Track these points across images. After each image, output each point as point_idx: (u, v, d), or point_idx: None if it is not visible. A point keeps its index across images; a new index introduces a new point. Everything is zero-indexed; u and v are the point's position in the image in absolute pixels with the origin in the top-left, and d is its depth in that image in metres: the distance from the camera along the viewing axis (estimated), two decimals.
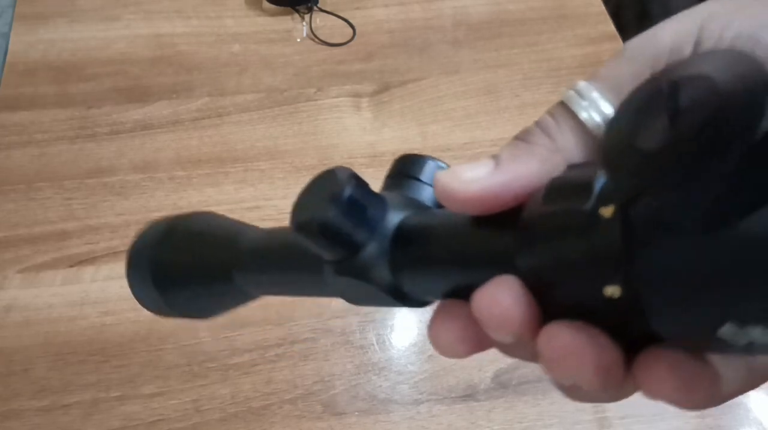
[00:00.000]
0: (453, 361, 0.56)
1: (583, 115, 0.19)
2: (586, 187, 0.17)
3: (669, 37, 0.19)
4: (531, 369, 0.55)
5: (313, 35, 0.77)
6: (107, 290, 0.58)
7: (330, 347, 0.56)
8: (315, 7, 0.78)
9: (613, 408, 0.53)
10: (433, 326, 0.21)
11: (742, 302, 0.14)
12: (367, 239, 0.22)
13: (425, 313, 0.62)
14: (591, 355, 0.17)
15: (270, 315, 0.58)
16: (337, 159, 0.66)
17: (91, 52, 0.74)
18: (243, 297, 0.32)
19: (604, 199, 0.17)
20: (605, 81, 0.20)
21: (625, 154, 0.16)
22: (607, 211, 0.16)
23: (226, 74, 0.73)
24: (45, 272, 0.59)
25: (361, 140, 0.68)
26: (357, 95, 0.72)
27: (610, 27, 0.78)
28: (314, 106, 0.70)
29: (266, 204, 0.63)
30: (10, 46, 0.74)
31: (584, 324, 0.17)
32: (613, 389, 0.17)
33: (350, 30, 0.77)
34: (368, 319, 0.58)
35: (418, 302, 0.24)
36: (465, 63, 0.75)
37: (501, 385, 0.55)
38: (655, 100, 0.16)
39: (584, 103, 0.19)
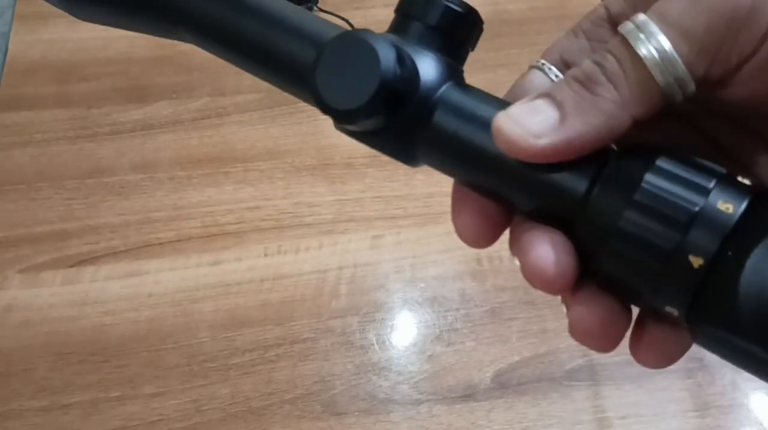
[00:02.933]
0: (453, 361, 0.56)
1: (643, 51, 0.18)
2: (685, 214, 0.17)
3: None
4: (531, 369, 0.55)
5: None
6: (107, 290, 0.58)
7: (330, 347, 0.56)
8: (315, 7, 0.78)
9: (613, 408, 0.53)
10: (458, 213, 0.22)
11: None
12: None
13: (425, 313, 0.62)
14: (615, 336, 0.19)
15: (270, 315, 0.58)
16: (337, 159, 0.66)
17: (91, 52, 0.74)
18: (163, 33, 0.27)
19: (697, 243, 0.17)
20: (665, 16, 0.18)
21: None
22: (696, 262, 0.17)
23: (226, 74, 0.73)
24: (45, 272, 0.59)
25: None
26: None
27: None
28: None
29: (266, 204, 0.63)
30: (10, 46, 0.74)
31: (616, 303, 0.19)
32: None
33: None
34: (368, 319, 0.58)
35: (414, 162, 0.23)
36: (465, 63, 0.75)
37: (501, 385, 0.55)
38: None
39: (642, 37, 0.18)
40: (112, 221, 0.62)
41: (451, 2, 0.22)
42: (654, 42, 0.18)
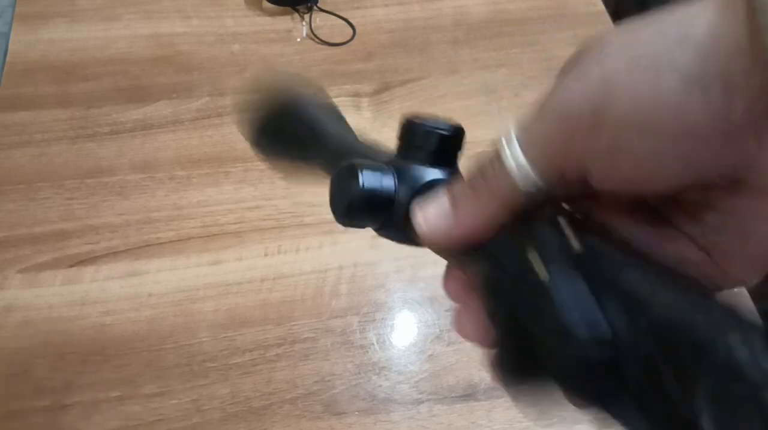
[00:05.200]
0: (453, 361, 0.56)
1: (508, 163, 0.22)
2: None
3: (577, 95, 0.20)
4: None
5: (313, 35, 0.77)
6: (107, 290, 0.58)
7: (330, 347, 0.56)
8: (315, 7, 0.78)
9: None
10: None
11: None
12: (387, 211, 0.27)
13: (426, 313, 0.62)
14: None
15: (270, 315, 0.58)
16: None
17: (91, 52, 0.74)
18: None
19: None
20: (527, 134, 0.22)
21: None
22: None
23: (226, 74, 0.73)
24: (45, 272, 0.59)
25: None
26: (357, 95, 0.72)
27: (610, 27, 0.78)
28: None
29: (266, 204, 0.63)
30: (10, 46, 0.74)
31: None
32: None
33: (350, 30, 0.77)
34: (368, 319, 0.58)
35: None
36: (465, 63, 0.75)
37: None
38: None
39: (509, 152, 0.22)
40: (112, 221, 0.62)
41: (441, 129, 0.27)
42: (513, 152, 0.22)
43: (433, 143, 0.27)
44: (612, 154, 0.20)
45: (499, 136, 0.23)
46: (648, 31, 0.20)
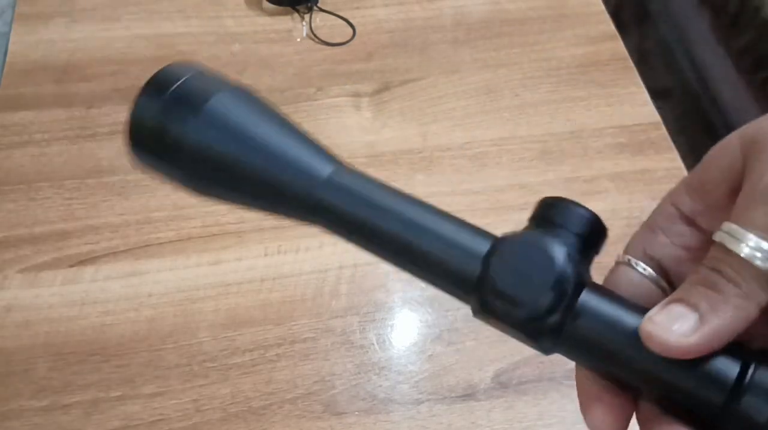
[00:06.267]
0: (453, 360, 0.56)
1: (745, 252, 0.22)
2: None
3: None
4: (531, 369, 0.55)
5: (313, 35, 0.77)
6: (107, 290, 0.58)
7: (330, 347, 0.56)
8: (315, 7, 0.78)
9: None
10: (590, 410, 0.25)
11: None
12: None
13: (426, 313, 0.61)
14: None
15: (270, 315, 0.58)
16: None
17: (91, 52, 0.74)
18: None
19: None
20: (753, 223, 0.22)
21: None
22: None
23: (226, 74, 0.73)
24: (45, 272, 0.59)
25: (361, 140, 0.68)
26: (357, 95, 0.72)
27: (610, 27, 0.78)
28: (314, 106, 0.70)
29: None
30: (10, 46, 0.74)
31: None
32: None
33: (350, 30, 0.77)
34: (368, 319, 0.58)
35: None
36: (465, 63, 0.75)
37: (501, 385, 0.55)
38: None
39: (739, 242, 0.22)
40: (112, 221, 0.62)
41: (589, 211, 0.24)
42: (751, 243, 0.22)
43: (585, 225, 0.24)
44: None
45: (718, 232, 0.23)
46: None
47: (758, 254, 0.22)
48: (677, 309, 0.23)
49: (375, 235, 0.25)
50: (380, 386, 0.55)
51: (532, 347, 0.24)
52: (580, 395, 0.25)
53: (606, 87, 0.73)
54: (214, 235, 0.62)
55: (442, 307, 0.58)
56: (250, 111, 0.26)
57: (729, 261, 0.22)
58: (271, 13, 0.78)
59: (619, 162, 0.67)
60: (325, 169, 0.26)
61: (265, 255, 0.61)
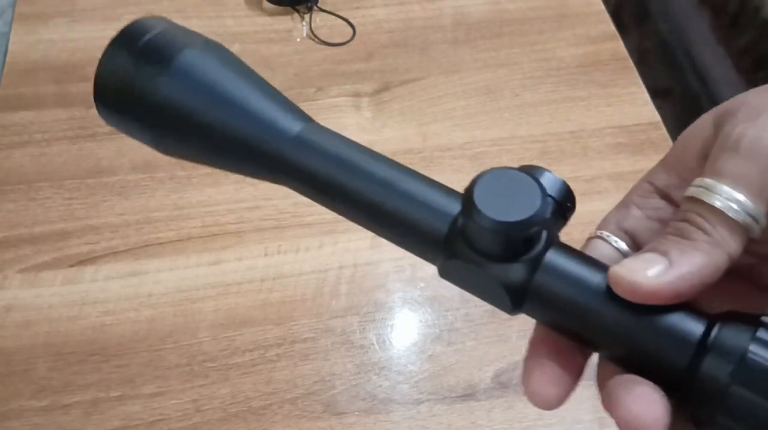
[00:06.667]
0: (453, 360, 0.56)
1: (718, 204, 0.22)
2: None
3: None
4: None
5: (313, 35, 0.77)
6: (107, 290, 0.58)
7: (330, 347, 0.56)
8: (315, 7, 0.78)
9: None
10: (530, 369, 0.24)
11: None
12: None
13: (426, 313, 0.61)
14: None
15: (270, 315, 0.58)
16: None
17: (91, 52, 0.74)
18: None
19: None
20: (724, 174, 0.22)
21: None
22: None
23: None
24: (45, 272, 0.59)
25: (361, 140, 0.67)
26: (357, 95, 0.72)
27: (610, 27, 0.78)
28: (314, 106, 0.70)
29: (266, 204, 0.63)
30: (10, 46, 0.74)
31: None
32: None
33: (350, 30, 0.77)
34: (368, 319, 0.58)
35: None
36: (465, 63, 0.75)
37: (501, 385, 0.55)
38: None
39: (712, 194, 0.22)
40: (112, 221, 0.62)
41: (562, 179, 0.25)
42: (724, 194, 0.22)
43: (560, 190, 0.24)
44: None
45: (690, 188, 0.23)
46: None
47: (732, 205, 0.22)
48: (648, 256, 0.22)
49: (343, 193, 0.25)
50: (380, 386, 0.55)
51: (498, 303, 0.24)
52: (526, 361, 0.25)
53: (606, 87, 0.73)
54: (214, 235, 0.62)
55: (442, 307, 0.58)
56: (220, 67, 0.26)
57: (700, 211, 0.22)
58: (271, 13, 0.78)
59: (619, 162, 0.67)
60: (294, 127, 0.25)
61: (265, 255, 0.61)
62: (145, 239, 0.61)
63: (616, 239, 0.26)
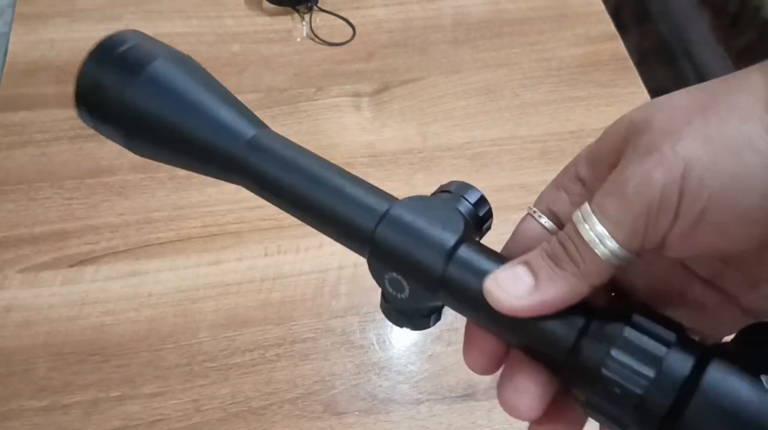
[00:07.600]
0: (453, 360, 0.56)
1: (587, 237, 0.24)
2: (652, 369, 0.22)
3: (660, 180, 0.22)
4: None
5: (313, 35, 0.77)
6: (107, 290, 0.58)
7: (330, 347, 0.56)
8: (315, 7, 0.78)
9: None
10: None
11: None
12: None
13: None
14: None
15: (270, 315, 0.58)
16: (337, 159, 0.65)
17: None
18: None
19: (658, 393, 0.22)
20: (603, 211, 0.24)
21: None
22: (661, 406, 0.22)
23: (226, 74, 0.73)
24: (45, 272, 0.59)
25: (361, 140, 0.68)
26: (357, 95, 0.72)
27: (610, 27, 0.78)
28: (314, 106, 0.70)
29: (266, 204, 0.63)
30: (10, 46, 0.74)
31: None
32: None
33: (350, 30, 0.77)
34: (368, 319, 0.58)
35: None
36: (465, 63, 0.75)
37: None
38: None
39: (587, 226, 0.24)
40: (112, 221, 0.62)
41: (478, 190, 0.29)
42: (597, 231, 0.23)
43: (477, 202, 0.28)
44: (696, 227, 0.22)
45: (577, 211, 0.24)
46: (720, 113, 0.22)
47: (598, 241, 0.23)
48: (520, 271, 0.25)
49: (287, 191, 0.29)
50: (380, 386, 0.55)
51: (419, 295, 0.27)
52: (464, 341, 0.29)
53: (606, 87, 0.73)
54: (214, 235, 0.62)
55: None
56: (184, 77, 0.29)
57: (576, 240, 0.24)
58: (271, 13, 0.78)
59: None
60: (248, 132, 0.29)
61: (265, 255, 0.61)
62: (145, 239, 0.61)
63: (546, 219, 0.28)
